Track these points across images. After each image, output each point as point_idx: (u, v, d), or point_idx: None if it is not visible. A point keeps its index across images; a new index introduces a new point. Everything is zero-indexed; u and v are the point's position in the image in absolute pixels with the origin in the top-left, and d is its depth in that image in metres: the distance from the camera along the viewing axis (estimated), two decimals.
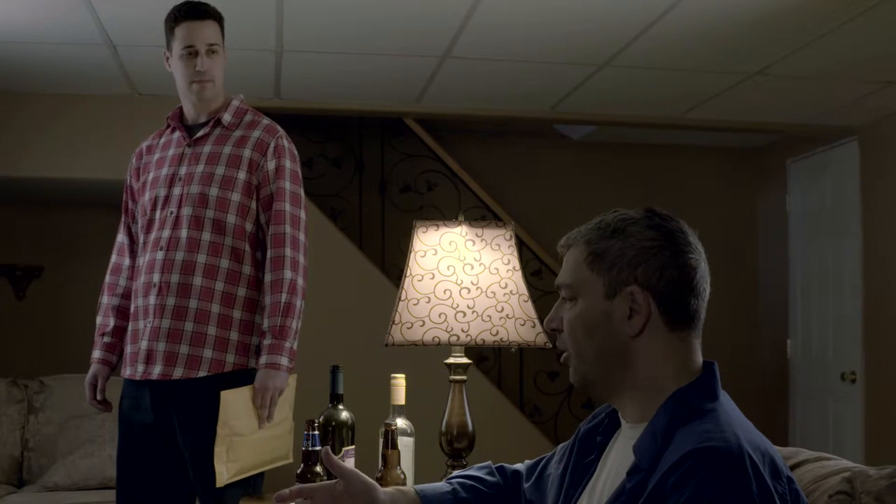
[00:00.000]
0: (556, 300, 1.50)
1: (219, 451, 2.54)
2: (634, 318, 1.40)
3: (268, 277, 2.67)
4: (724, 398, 1.39)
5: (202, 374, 2.62)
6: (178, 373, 2.62)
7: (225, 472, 2.56)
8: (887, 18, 3.78)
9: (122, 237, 2.88)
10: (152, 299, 2.66)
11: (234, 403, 2.58)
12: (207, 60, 2.71)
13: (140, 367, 2.66)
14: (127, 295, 2.80)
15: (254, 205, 2.72)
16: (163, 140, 2.84)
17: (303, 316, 2.71)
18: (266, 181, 2.72)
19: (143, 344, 2.66)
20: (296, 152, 2.80)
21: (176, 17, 2.72)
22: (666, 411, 1.36)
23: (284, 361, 2.64)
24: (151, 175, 2.78)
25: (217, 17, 2.75)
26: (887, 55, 4.25)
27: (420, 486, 1.68)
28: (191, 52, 2.70)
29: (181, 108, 2.83)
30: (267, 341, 2.64)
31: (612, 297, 1.41)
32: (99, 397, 2.80)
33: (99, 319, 2.84)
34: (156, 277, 2.67)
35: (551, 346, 2.54)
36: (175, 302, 2.64)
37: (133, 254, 2.84)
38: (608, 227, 1.44)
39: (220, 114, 2.77)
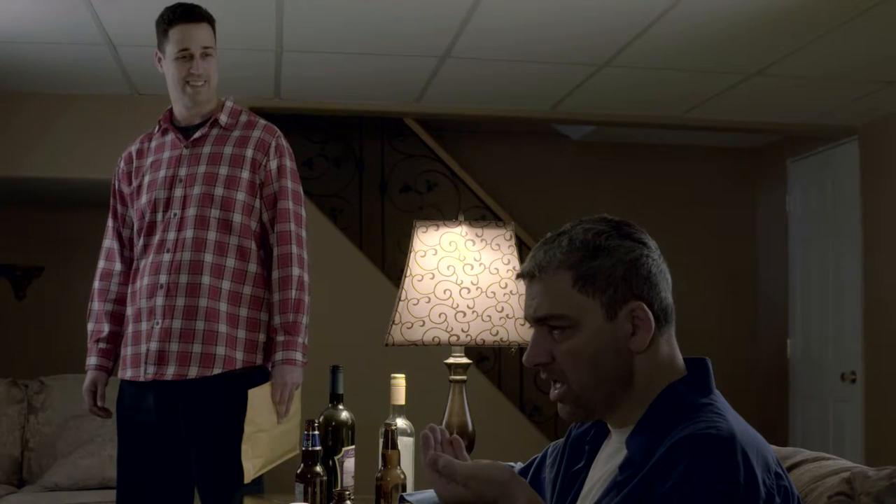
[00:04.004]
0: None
1: (245, 448, 2.58)
2: (639, 333, 1.37)
3: (275, 274, 2.70)
4: (717, 394, 1.39)
5: (216, 371, 2.64)
6: (192, 372, 2.63)
7: (251, 468, 2.60)
8: (887, 18, 3.78)
9: (110, 242, 2.86)
10: (159, 300, 2.66)
11: (258, 400, 2.62)
12: (202, 63, 2.71)
13: (150, 369, 2.65)
14: (120, 300, 2.80)
15: (257, 203, 2.74)
16: (154, 143, 2.83)
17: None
18: (269, 180, 2.74)
19: (153, 345, 2.65)
20: (292, 151, 2.84)
21: (170, 20, 2.71)
22: (659, 407, 1.36)
23: (299, 357, 2.68)
24: (148, 178, 2.77)
25: (210, 20, 2.75)
26: (887, 55, 4.25)
27: (413, 496, 1.67)
28: (185, 56, 2.70)
29: (171, 110, 2.83)
30: (280, 338, 2.67)
31: (613, 318, 1.37)
32: (100, 404, 2.80)
33: (91, 326, 2.83)
34: (162, 279, 2.66)
35: None
36: (185, 302, 2.65)
37: (124, 259, 2.83)
38: (587, 247, 1.38)
39: (216, 115, 2.78)
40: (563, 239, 1.41)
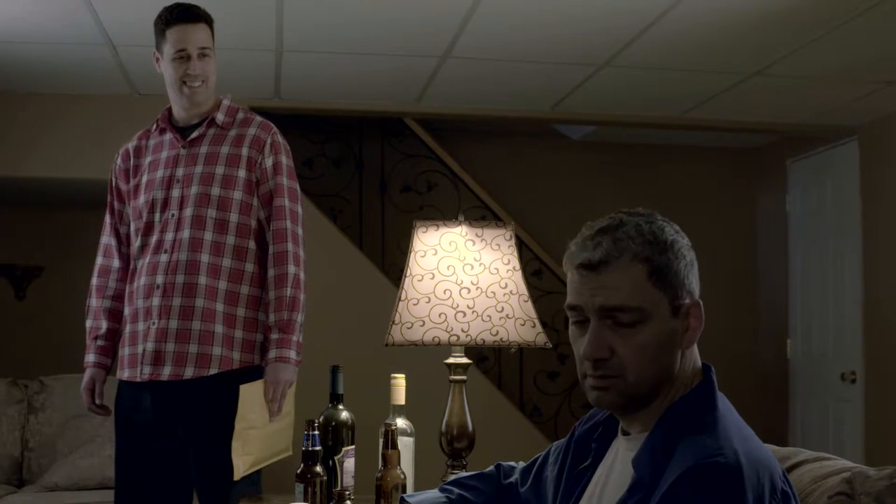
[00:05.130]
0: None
1: (235, 445, 2.57)
2: (692, 330, 1.37)
3: (271, 272, 2.69)
4: (723, 405, 1.37)
5: (213, 371, 2.63)
6: (188, 372, 2.63)
7: (241, 465, 2.58)
8: (887, 18, 3.78)
9: (108, 239, 2.86)
10: (156, 300, 2.66)
11: (250, 397, 2.61)
12: (199, 64, 2.71)
13: (147, 369, 2.65)
14: (118, 297, 2.79)
15: (255, 202, 2.73)
16: (152, 142, 2.83)
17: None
18: (265, 178, 2.74)
19: (150, 345, 2.65)
20: (288, 148, 2.82)
21: (167, 21, 2.70)
22: (665, 424, 1.34)
23: (293, 355, 2.67)
24: (146, 178, 2.76)
25: (208, 20, 2.75)
26: (887, 55, 4.25)
27: (413, 497, 1.67)
28: (182, 56, 2.69)
29: (170, 110, 2.83)
30: (274, 336, 2.66)
31: (676, 314, 1.36)
32: (98, 401, 2.80)
33: (89, 323, 2.82)
34: (159, 279, 2.66)
35: (551, 346, 2.54)
36: (181, 302, 2.64)
37: (122, 255, 2.82)
38: (658, 240, 1.36)
39: (213, 114, 2.78)
40: (629, 229, 1.37)
